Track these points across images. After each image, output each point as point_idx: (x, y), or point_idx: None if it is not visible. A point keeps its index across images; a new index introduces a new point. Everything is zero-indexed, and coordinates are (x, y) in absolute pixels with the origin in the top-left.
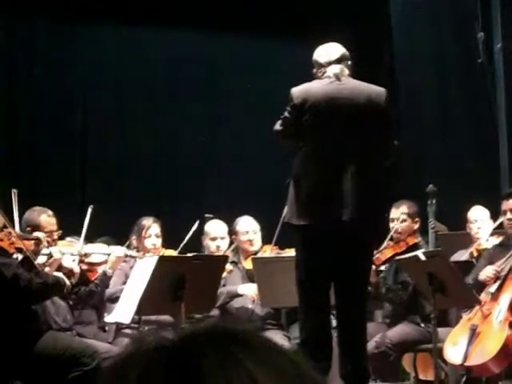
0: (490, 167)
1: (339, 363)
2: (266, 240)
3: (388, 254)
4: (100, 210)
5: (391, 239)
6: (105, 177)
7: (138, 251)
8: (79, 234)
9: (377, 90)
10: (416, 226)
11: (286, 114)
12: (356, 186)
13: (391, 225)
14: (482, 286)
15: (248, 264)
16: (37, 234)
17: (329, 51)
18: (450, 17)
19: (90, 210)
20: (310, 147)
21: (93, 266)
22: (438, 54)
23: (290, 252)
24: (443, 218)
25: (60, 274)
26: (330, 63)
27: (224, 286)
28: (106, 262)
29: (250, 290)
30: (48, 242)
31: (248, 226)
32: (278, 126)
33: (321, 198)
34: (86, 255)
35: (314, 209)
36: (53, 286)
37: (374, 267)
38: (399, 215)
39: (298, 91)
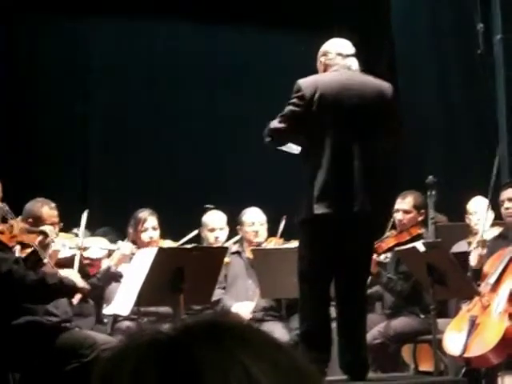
0: (490, 158)
1: (339, 354)
2: (272, 233)
3: (390, 242)
4: (95, 214)
5: (394, 228)
6: (106, 167)
7: (135, 244)
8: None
9: (384, 84)
10: (421, 218)
11: (292, 107)
12: (366, 178)
13: (395, 215)
14: (478, 273)
15: (251, 254)
16: (44, 227)
17: (343, 45)
18: (450, 8)
19: (85, 215)
20: (320, 139)
21: (93, 260)
22: (437, 46)
23: (294, 243)
24: (443, 208)
25: (74, 277)
26: (344, 56)
27: (226, 276)
28: (105, 257)
29: (244, 309)
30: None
31: (254, 218)
32: (277, 124)
33: (334, 190)
34: (85, 249)
35: (327, 201)
36: (51, 286)
37: (375, 256)
38: (404, 207)
39: (306, 82)
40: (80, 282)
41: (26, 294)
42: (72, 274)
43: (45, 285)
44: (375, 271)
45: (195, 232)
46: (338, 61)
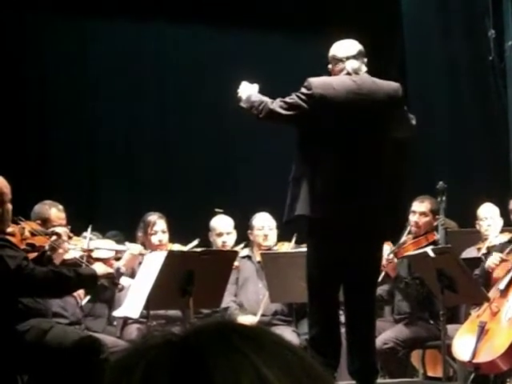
0: (501, 164)
1: (347, 359)
2: (283, 238)
3: (410, 249)
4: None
5: (409, 232)
6: (114, 170)
7: (144, 247)
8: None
9: (393, 86)
10: (436, 223)
11: (299, 100)
12: (372, 181)
13: (411, 217)
14: (488, 274)
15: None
16: (57, 228)
17: (347, 46)
18: (462, 14)
19: (89, 230)
20: (327, 142)
21: (102, 261)
22: (449, 52)
23: (305, 248)
24: (453, 214)
25: (95, 266)
26: (348, 58)
27: (237, 279)
28: (114, 257)
29: (249, 321)
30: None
31: (264, 222)
32: (278, 108)
33: (339, 192)
34: (91, 251)
35: (329, 203)
36: (65, 275)
37: (395, 260)
38: (422, 209)
39: (318, 82)
40: (101, 270)
41: (38, 287)
42: (95, 264)
43: (57, 276)
44: (394, 275)
45: (195, 242)
46: (345, 64)
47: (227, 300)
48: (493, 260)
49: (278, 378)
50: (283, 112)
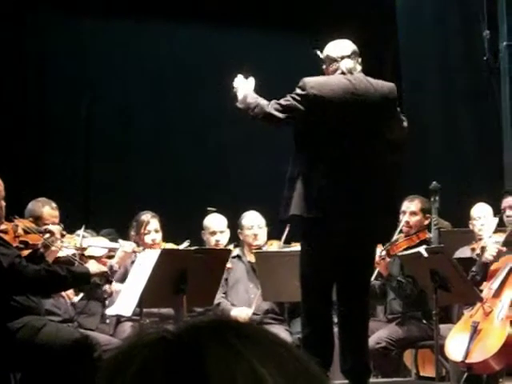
0: (494, 164)
1: (340, 359)
2: (274, 236)
3: (402, 246)
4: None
5: (400, 231)
6: (108, 169)
7: (137, 246)
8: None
9: (388, 86)
10: (426, 222)
11: (294, 102)
12: (366, 181)
13: (402, 217)
14: (485, 269)
15: (252, 257)
16: (50, 226)
17: (341, 46)
18: (456, 14)
19: (82, 228)
20: (322, 143)
21: (95, 259)
22: (443, 52)
23: (296, 246)
24: (446, 214)
25: (88, 264)
26: (342, 58)
27: (226, 280)
28: (107, 255)
29: (242, 314)
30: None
31: (253, 221)
32: (273, 111)
33: (334, 193)
34: (83, 249)
35: (324, 203)
36: (58, 273)
37: (387, 259)
38: (412, 208)
39: (313, 82)
40: (94, 268)
41: (31, 285)
42: (88, 262)
43: (50, 274)
44: (386, 274)
45: (186, 243)
46: (339, 64)
47: (217, 296)
48: (490, 252)
49: (273, 376)
50: (278, 115)
